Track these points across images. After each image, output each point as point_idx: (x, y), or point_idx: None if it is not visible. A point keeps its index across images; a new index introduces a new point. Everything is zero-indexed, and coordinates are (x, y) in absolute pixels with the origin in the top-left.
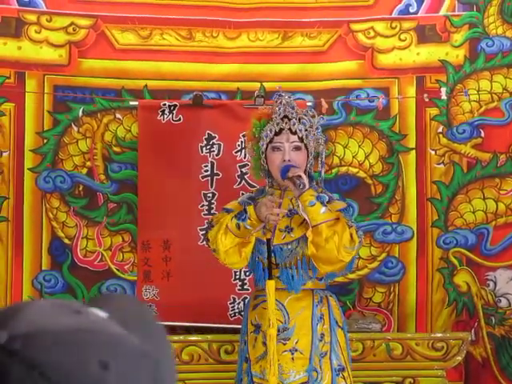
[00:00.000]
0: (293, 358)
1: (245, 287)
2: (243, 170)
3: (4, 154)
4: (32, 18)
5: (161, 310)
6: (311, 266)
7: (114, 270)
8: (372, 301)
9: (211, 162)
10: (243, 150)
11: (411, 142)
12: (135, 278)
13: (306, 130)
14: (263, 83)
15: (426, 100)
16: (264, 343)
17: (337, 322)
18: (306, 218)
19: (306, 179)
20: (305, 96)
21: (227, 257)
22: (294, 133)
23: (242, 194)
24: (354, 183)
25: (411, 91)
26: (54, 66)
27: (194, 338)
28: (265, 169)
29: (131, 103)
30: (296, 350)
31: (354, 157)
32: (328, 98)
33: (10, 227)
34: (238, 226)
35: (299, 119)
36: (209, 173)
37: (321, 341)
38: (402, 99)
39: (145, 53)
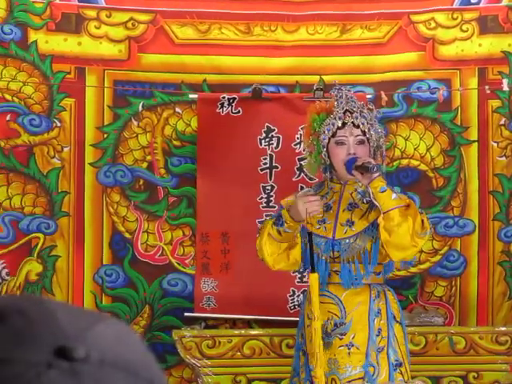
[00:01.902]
0: (349, 353)
1: (304, 280)
2: (302, 162)
3: (65, 149)
4: (92, 13)
5: (220, 303)
6: (372, 260)
7: (175, 264)
8: (434, 295)
9: (270, 154)
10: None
11: (473, 134)
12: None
13: (368, 124)
14: (322, 76)
15: (488, 92)
16: (322, 338)
17: (394, 317)
18: (378, 204)
19: (374, 164)
20: (365, 89)
21: (275, 263)
22: (357, 126)
23: (301, 188)
24: (416, 176)
25: (473, 83)
26: (114, 61)
27: (255, 332)
28: (326, 163)
29: (191, 97)
30: (352, 345)
31: (415, 149)
32: (389, 91)
33: (72, 222)
34: (279, 232)
35: (360, 113)
36: (268, 165)
37: (378, 336)
38: (463, 91)
39: (203, 47)
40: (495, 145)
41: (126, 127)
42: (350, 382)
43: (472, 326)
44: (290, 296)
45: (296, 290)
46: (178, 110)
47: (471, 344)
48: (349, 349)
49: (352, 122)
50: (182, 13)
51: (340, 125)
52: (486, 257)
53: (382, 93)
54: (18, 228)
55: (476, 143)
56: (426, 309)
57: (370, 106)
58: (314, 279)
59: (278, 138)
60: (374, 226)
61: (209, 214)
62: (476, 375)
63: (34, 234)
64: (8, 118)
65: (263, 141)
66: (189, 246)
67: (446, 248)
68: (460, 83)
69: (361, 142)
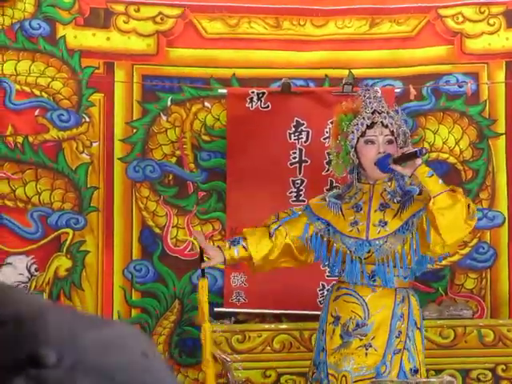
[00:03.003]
0: (366, 354)
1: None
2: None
3: (94, 145)
4: (120, 8)
5: (250, 298)
6: (403, 264)
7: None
8: (464, 287)
9: (299, 148)
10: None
11: (501, 127)
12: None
13: (396, 124)
14: (351, 70)
15: None
16: (341, 336)
17: (416, 323)
18: (427, 188)
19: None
20: (394, 82)
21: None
22: (386, 126)
23: (331, 182)
24: (445, 169)
25: (501, 76)
26: (143, 56)
27: (285, 326)
28: (354, 163)
29: (220, 91)
30: (370, 346)
31: (444, 142)
32: (417, 84)
33: (101, 217)
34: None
35: (387, 113)
36: (297, 159)
37: (397, 337)
38: (491, 84)
39: (233, 41)
40: None
41: (155, 122)
42: (360, 380)
43: (501, 319)
44: (320, 290)
45: (325, 284)
46: (207, 104)
47: (500, 337)
48: (366, 349)
49: (381, 122)
50: (210, 7)
51: (369, 124)
52: None
53: (411, 87)
54: (46, 223)
55: (504, 136)
56: (456, 301)
57: (396, 107)
58: (202, 285)
59: (308, 132)
60: (408, 225)
61: (238, 208)
62: (505, 367)
63: (63, 230)
64: (37, 113)
65: (292, 135)
66: (218, 240)
67: (475, 240)
68: (488, 77)
69: (390, 142)
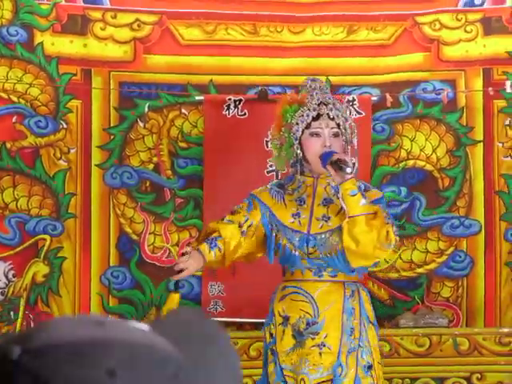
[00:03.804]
0: (320, 354)
1: None
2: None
3: (71, 151)
4: (97, 15)
5: (227, 307)
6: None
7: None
8: (440, 295)
9: None
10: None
11: (478, 134)
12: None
13: (342, 117)
14: (329, 77)
15: (491, 93)
16: (294, 336)
17: (368, 318)
18: (344, 207)
19: (349, 163)
20: (371, 90)
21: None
22: (332, 119)
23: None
24: (422, 176)
25: (478, 83)
26: (120, 63)
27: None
28: (298, 156)
29: (197, 98)
30: (324, 345)
31: (421, 150)
32: (394, 91)
33: (78, 223)
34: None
35: (334, 105)
36: (274, 168)
37: (350, 336)
38: (468, 92)
39: (210, 48)
40: (500, 145)
41: (132, 129)
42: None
43: (476, 327)
44: None
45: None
46: (184, 111)
47: (475, 345)
48: (320, 349)
49: (327, 114)
50: (187, 13)
51: (315, 116)
52: (493, 257)
53: (387, 94)
54: (24, 230)
55: (481, 143)
56: (432, 310)
57: (342, 99)
58: (173, 299)
59: None
60: None
61: (215, 215)
62: (480, 376)
63: (40, 236)
64: (14, 119)
65: (269, 143)
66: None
67: (451, 248)
68: (465, 84)
69: (335, 135)
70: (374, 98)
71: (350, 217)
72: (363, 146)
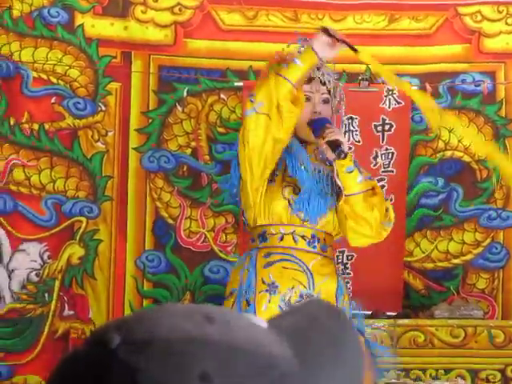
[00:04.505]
0: None
1: (347, 271)
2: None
3: (109, 134)
4: None
5: None
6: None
7: (217, 251)
8: (476, 287)
9: None
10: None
11: None
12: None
13: (334, 83)
14: (369, 66)
15: None
16: (281, 307)
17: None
18: (340, 184)
19: (346, 145)
20: (410, 79)
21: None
22: (323, 84)
23: None
24: (459, 168)
25: None
26: (160, 46)
27: None
28: None
29: (236, 84)
30: None
31: (459, 141)
32: (433, 82)
33: (114, 207)
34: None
35: (325, 69)
36: None
37: None
38: (507, 84)
39: (250, 34)
40: None
41: (171, 113)
42: None
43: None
44: None
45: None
46: (222, 96)
47: (510, 338)
48: None
49: (319, 78)
50: None
51: (306, 79)
52: None
53: (427, 84)
54: (60, 211)
55: None
56: (468, 301)
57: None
58: None
59: None
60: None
61: None
62: None
63: (76, 218)
64: (53, 100)
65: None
66: (231, 233)
67: (488, 240)
68: (504, 76)
69: (325, 102)
70: (414, 88)
71: (347, 195)
72: (401, 136)
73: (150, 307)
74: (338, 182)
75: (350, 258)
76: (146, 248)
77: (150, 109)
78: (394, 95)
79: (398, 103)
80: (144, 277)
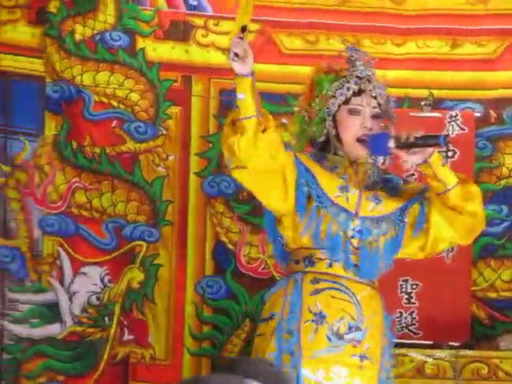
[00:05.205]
0: (361, 366)
1: (412, 301)
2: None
3: (170, 158)
4: (199, 21)
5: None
6: (387, 258)
7: (278, 277)
8: None
9: None
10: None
11: None
12: None
13: (385, 97)
14: (432, 90)
15: None
16: (329, 338)
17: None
18: (442, 181)
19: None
20: (474, 105)
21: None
22: (374, 97)
23: None
24: None
25: None
26: (221, 70)
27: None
28: (330, 134)
29: (297, 108)
30: (366, 358)
31: None
32: (497, 108)
33: (175, 231)
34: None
35: (377, 82)
36: None
37: (386, 358)
38: None
39: (311, 58)
40: None
41: None
42: None
43: None
44: (397, 317)
45: (403, 312)
46: (283, 120)
47: None
48: (361, 361)
49: (370, 91)
50: (290, 23)
51: (356, 91)
52: None
53: (491, 110)
54: (121, 235)
55: None
56: None
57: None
58: None
59: None
60: (403, 211)
61: None
62: None
63: (136, 242)
64: (114, 124)
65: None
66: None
67: None
68: None
69: (376, 117)
70: (478, 114)
71: (449, 190)
72: (465, 163)
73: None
74: (438, 180)
75: (414, 287)
76: (206, 273)
77: (211, 133)
78: (458, 121)
79: (462, 129)
80: (204, 302)
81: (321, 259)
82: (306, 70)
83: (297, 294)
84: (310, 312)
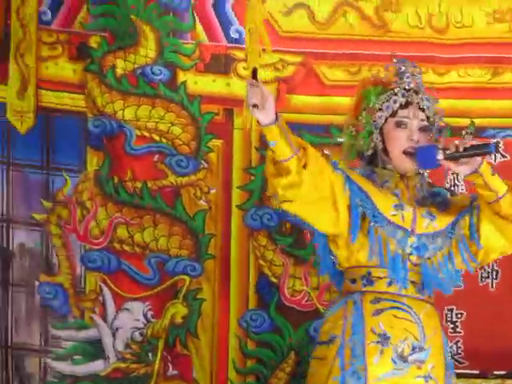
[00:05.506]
0: None
1: (457, 330)
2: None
3: (212, 191)
4: (241, 54)
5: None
6: (450, 271)
7: (322, 310)
8: None
9: None
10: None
11: None
12: None
13: (434, 110)
14: (473, 119)
15: None
16: (394, 361)
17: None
18: (493, 189)
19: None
20: None
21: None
22: (422, 110)
23: None
24: None
25: None
26: None
27: None
28: (377, 147)
29: (340, 140)
30: (431, 378)
31: None
32: None
33: (217, 265)
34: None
35: (424, 94)
36: None
37: (449, 376)
38: None
39: (353, 89)
40: None
41: None
42: None
43: None
44: None
45: (449, 341)
46: (326, 152)
47: None
48: (426, 382)
49: (417, 103)
50: (331, 54)
51: (403, 103)
52: None
53: None
54: (163, 270)
55: None
56: None
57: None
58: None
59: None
60: (455, 225)
61: None
62: None
63: (179, 276)
64: (155, 158)
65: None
66: (336, 291)
67: None
68: None
69: (423, 130)
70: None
71: (500, 198)
72: None
73: None
74: (488, 188)
75: (459, 316)
76: (250, 307)
77: (253, 165)
78: (500, 148)
79: (504, 156)
80: (247, 336)
81: (380, 278)
82: (348, 101)
83: (358, 315)
84: (374, 333)
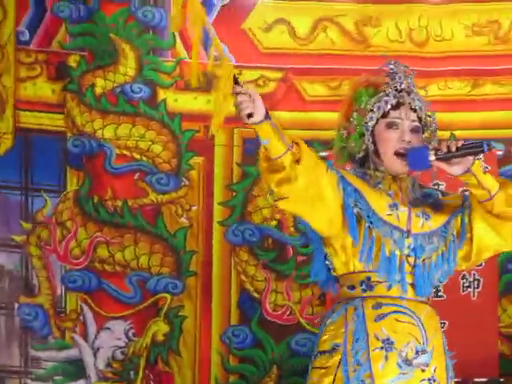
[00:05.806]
0: None
1: None
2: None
3: (193, 208)
4: (222, 71)
5: None
6: (444, 271)
7: (304, 324)
8: None
9: None
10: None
11: None
12: None
13: (426, 110)
14: (453, 131)
15: None
16: (399, 365)
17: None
18: (486, 187)
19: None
20: (496, 144)
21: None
22: (414, 110)
23: None
24: None
25: None
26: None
27: None
28: (369, 149)
29: (321, 154)
30: (434, 380)
31: None
32: None
33: (199, 282)
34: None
35: (416, 94)
36: None
37: (450, 379)
38: None
39: (334, 104)
40: None
41: (255, 185)
42: None
43: None
44: None
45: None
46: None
47: None
48: None
49: (409, 104)
50: (311, 69)
51: (394, 104)
52: None
53: None
54: (145, 288)
55: None
56: None
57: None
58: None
59: None
60: (449, 224)
61: None
62: None
63: (161, 294)
64: (136, 176)
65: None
66: (318, 305)
67: None
68: None
69: (415, 130)
70: (500, 153)
71: (493, 196)
72: None
73: None
74: (483, 187)
75: (442, 326)
76: (232, 322)
77: (234, 181)
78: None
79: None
80: (230, 352)
81: (379, 282)
82: (329, 116)
83: (359, 322)
84: (378, 339)
